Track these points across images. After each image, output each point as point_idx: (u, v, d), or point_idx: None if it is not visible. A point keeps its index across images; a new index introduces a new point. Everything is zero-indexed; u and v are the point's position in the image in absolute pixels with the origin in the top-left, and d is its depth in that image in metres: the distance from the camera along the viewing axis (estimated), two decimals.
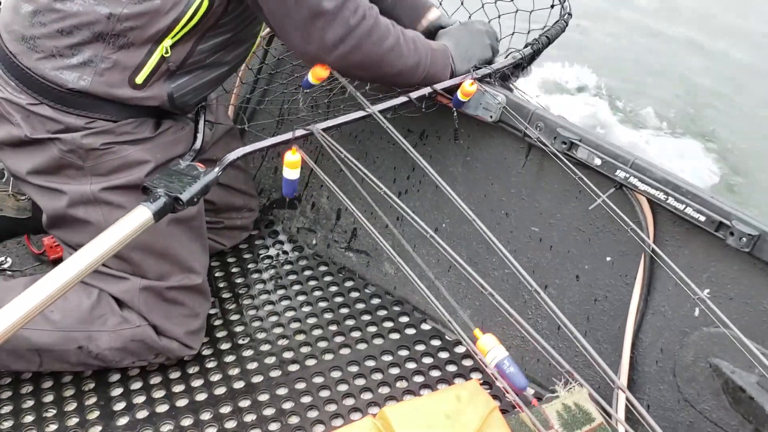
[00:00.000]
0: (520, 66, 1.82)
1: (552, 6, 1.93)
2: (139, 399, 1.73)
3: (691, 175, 3.75)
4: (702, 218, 1.47)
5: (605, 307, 1.68)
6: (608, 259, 1.67)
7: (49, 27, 1.54)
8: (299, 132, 1.51)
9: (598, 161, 1.58)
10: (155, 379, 1.77)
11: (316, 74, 1.63)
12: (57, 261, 2.00)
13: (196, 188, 1.43)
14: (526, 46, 1.82)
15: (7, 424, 1.67)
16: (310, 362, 1.81)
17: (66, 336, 1.67)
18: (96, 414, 1.70)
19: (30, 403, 1.72)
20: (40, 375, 1.78)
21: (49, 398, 1.73)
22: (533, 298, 1.76)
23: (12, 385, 1.76)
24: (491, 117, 1.73)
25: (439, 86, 1.69)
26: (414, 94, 1.66)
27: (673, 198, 1.50)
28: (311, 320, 1.93)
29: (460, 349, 1.84)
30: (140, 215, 1.37)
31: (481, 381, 1.72)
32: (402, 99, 1.66)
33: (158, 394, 1.74)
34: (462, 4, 2.03)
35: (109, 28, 1.52)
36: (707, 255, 1.53)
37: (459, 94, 1.70)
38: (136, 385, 1.76)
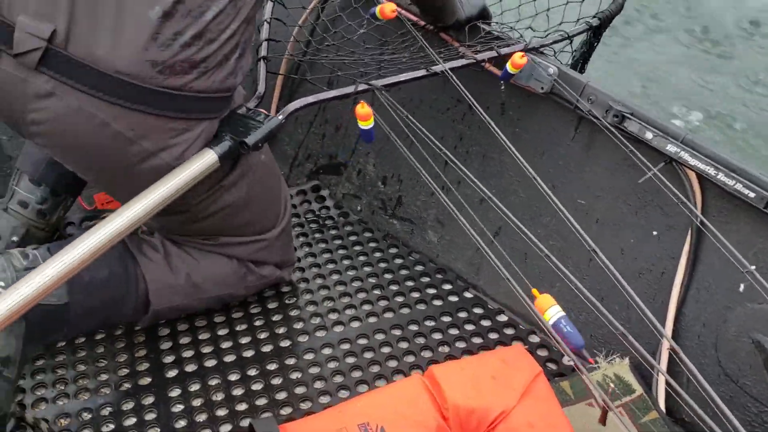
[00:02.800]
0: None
1: None
2: (188, 353, 1.77)
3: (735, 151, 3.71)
4: (751, 195, 1.48)
5: (649, 281, 1.70)
6: (654, 233, 1.69)
7: None
8: (361, 86, 1.54)
9: (649, 135, 1.59)
10: (204, 335, 1.81)
11: (384, 12, 1.69)
12: None
13: (261, 133, 1.47)
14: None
15: (62, 371, 1.73)
16: (355, 324, 1.85)
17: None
18: (146, 366, 1.74)
19: (82, 354, 1.77)
20: None
21: (100, 350, 1.78)
22: (578, 269, 1.78)
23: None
24: (542, 88, 1.74)
25: (504, 50, 1.72)
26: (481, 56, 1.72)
27: (723, 174, 1.50)
28: (356, 284, 1.96)
29: (502, 318, 1.86)
30: (206, 158, 1.41)
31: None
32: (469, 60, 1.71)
33: (206, 349, 1.78)
34: None
35: None
36: (754, 232, 1.54)
37: (509, 66, 1.71)
38: (185, 340, 1.80)
